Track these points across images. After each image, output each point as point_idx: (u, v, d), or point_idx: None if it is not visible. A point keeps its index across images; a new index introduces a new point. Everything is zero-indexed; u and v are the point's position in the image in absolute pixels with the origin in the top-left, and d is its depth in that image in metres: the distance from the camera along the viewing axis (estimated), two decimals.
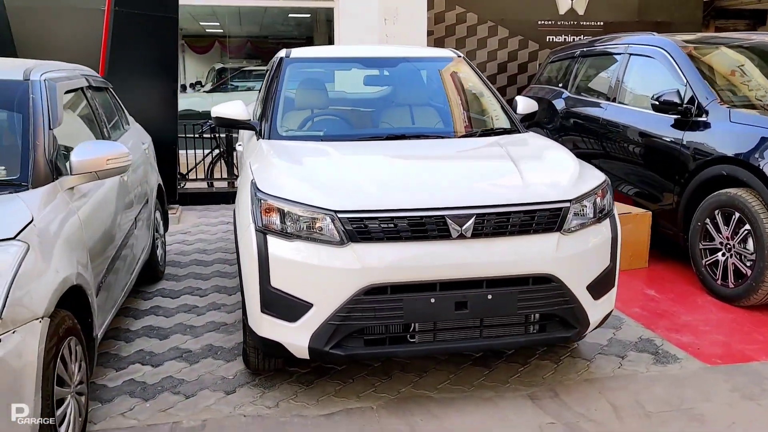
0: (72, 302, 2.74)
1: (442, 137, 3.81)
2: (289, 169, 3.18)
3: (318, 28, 17.40)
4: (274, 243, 2.86)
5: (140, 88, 6.74)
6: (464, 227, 2.83)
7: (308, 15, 20.24)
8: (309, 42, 21.91)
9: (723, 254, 4.48)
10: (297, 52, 4.36)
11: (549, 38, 8.68)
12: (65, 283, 2.51)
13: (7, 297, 2.16)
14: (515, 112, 4.22)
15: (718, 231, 4.50)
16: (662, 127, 5.13)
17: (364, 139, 3.72)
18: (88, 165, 2.99)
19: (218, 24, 24.04)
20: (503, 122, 4.07)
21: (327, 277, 2.79)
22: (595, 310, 3.12)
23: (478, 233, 2.86)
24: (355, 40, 11.28)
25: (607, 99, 6.03)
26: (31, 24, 6.33)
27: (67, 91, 3.53)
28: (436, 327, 2.90)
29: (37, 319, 2.29)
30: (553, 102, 6.90)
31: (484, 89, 4.27)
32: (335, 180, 3.04)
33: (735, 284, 4.38)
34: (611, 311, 3.30)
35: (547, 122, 6.97)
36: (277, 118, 3.85)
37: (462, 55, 4.59)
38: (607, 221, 3.18)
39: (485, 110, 4.25)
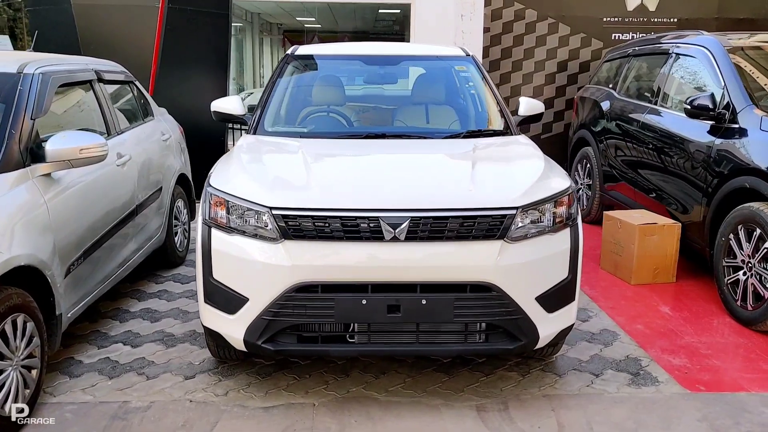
0: (29, 282, 2.94)
1: (424, 137, 3.74)
2: (245, 165, 3.25)
3: (407, 23, 17.47)
4: (216, 236, 2.94)
5: (191, 81, 7.07)
6: (398, 230, 2.78)
7: (398, 11, 20.38)
8: (400, 38, 22.05)
9: (744, 273, 4.13)
10: (303, 50, 4.43)
11: (615, 36, 8.27)
12: (9, 263, 2.70)
13: None
14: (518, 114, 4.09)
15: (741, 248, 4.15)
16: (695, 134, 4.79)
17: (345, 137, 3.73)
18: (61, 154, 3.18)
19: (314, 20, 24.65)
20: (497, 124, 3.95)
21: (261, 273, 2.84)
22: (547, 324, 2.97)
23: (412, 237, 2.80)
24: (430, 37, 11.23)
25: (649, 102, 5.69)
26: (94, 20, 6.78)
27: (68, 84, 3.77)
28: (371, 329, 2.87)
29: None
30: (601, 104, 6.58)
31: (485, 89, 4.15)
32: (282, 177, 3.07)
33: (753, 306, 4.03)
34: (570, 326, 3.13)
35: (592, 125, 6.67)
36: (265, 114, 3.92)
37: (471, 53, 4.48)
38: (566, 231, 3.01)
39: (481, 111, 4.13)
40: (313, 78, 4.30)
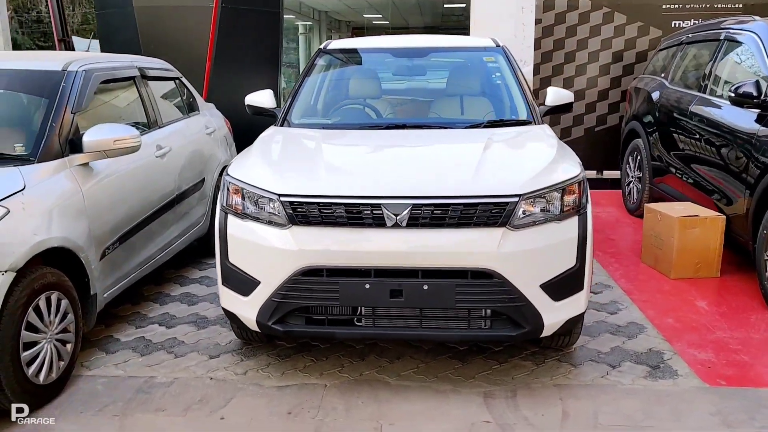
0: (65, 263, 3.19)
1: (445, 128, 3.78)
2: (262, 155, 3.39)
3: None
4: (232, 222, 3.10)
5: (244, 77, 7.34)
6: (399, 217, 2.85)
7: (463, 5, 20.24)
8: (467, 32, 21.90)
9: None
10: (334, 44, 4.54)
11: (675, 23, 7.98)
12: (42, 244, 2.94)
13: None
14: (545, 104, 4.06)
15: None
16: (741, 122, 4.61)
17: (367, 128, 3.82)
18: (97, 145, 3.42)
19: (381, 16, 24.83)
20: (520, 114, 3.94)
21: (271, 257, 2.97)
22: (553, 312, 2.97)
23: (414, 224, 2.86)
24: (489, 30, 11.16)
25: (698, 91, 5.50)
26: (153, 22, 7.14)
27: (110, 81, 4.02)
28: (376, 313, 2.96)
29: (4, 272, 2.72)
30: (651, 94, 6.40)
31: (511, 80, 4.14)
32: (294, 166, 3.19)
33: None
34: (579, 315, 3.11)
35: (643, 116, 6.49)
36: (293, 107, 4.06)
37: (502, 44, 4.48)
38: (574, 219, 3.00)
39: (505, 102, 4.13)
40: (341, 71, 4.42)
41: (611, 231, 6.11)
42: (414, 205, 2.85)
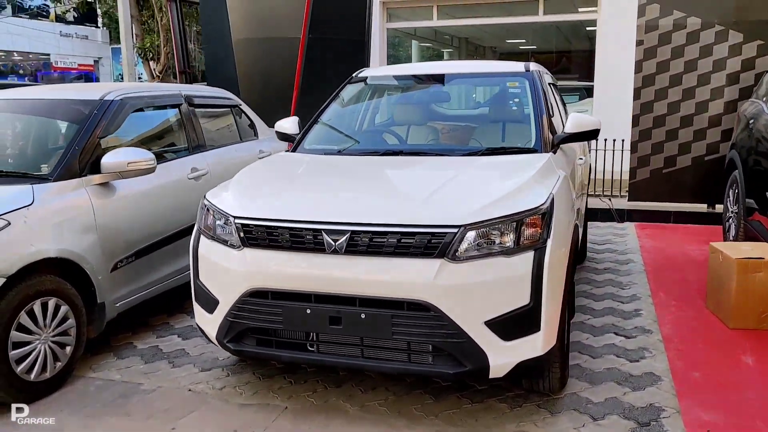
0: (72, 272, 3.52)
1: (441, 155, 3.68)
2: (241, 179, 3.50)
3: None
4: (203, 242, 3.25)
5: None
6: (338, 243, 2.83)
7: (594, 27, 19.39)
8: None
9: None
10: (365, 72, 4.61)
11: None
12: (37, 254, 3.28)
13: None
14: (564, 131, 3.83)
15: None
16: None
17: (365, 155, 3.82)
18: (113, 166, 3.76)
19: (524, 41, 24.49)
20: (529, 142, 3.73)
21: (226, 277, 3.07)
22: (501, 352, 2.77)
23: (353, 250, 2.82)
24: (613, 51, 10.66)
25: None
26: (249, 53, 7.66)
27: (147, 108, 4.40)
28: (320, 339, 2.95)
29: None
30: (749, 120, 5.74)
31: (530, 106, 3.94)
32: (260, 190, 3.28)
33: None
34: (537, 358, 2.86)
35: (741, 145, 5.83)
36: (309, 133, 4.17)
37: (534, 69, 4.27)
38: (528, 253, 2.78)
39: (512, 129, 3.93)
40: (361, 98, 4.46)
41: (692, 271, 5.53)
42: (353, 232, 2.82)
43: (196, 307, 3.32)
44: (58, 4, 29.64)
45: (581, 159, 4.54)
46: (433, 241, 2.75)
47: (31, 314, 3.29)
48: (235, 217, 3.06)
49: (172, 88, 4.87)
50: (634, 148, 7.78)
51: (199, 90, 5.13)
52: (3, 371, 3.16)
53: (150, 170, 3.90)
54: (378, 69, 4.58)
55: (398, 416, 3.15)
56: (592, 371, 3.60)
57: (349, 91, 4.48)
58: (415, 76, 4.46)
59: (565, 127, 3.81)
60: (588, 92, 14.25)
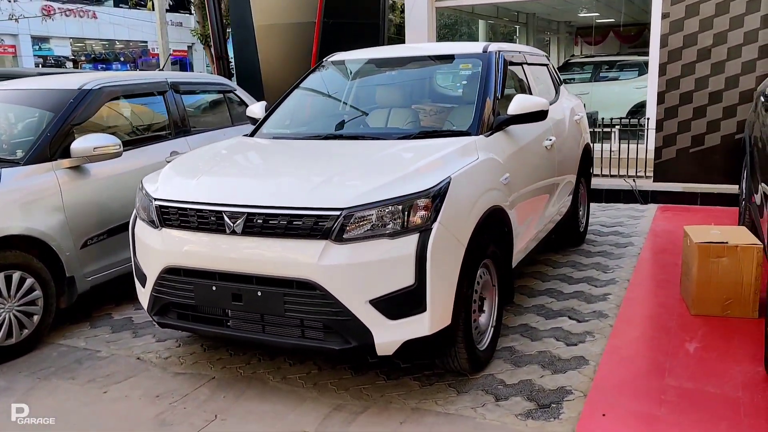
0: (38, 248, 3.88)
1: (378, 138, 3.75)
2: (179, 163, 3.71)
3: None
4: (138, 223, 3.50)
5: None
6: (236, 224, 2.99)
7: None
8: None
9: None
10: (335, 56, 4.70)
11: None
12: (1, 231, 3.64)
13: None
14: (507, 113, 3.81)
15: None
16: None
17: (308, 139, 3.94)
18: (80, 151, 4.08)
19: (597, 14, 23.56)
20: (464, 125, 3.73)
21: (151, 255, 3.31)
22: (386, 330, 2.87)
23: (249, 231, 2.98)
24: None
25: None
26: (270, 38, 7.90)
27: (126, 96, 4.71)
28: (228, 314, 3.14)
29: None
30: (758, 100, 5.42)
31: (476, 88, 3.92)
32: (185, 173, 3.47)
33: None
34: (426, 338, 2.92)
35: (749, 128, 5.52)
36: (268, 119, 4.33)
37: (496, 49, 4.23)
38: (413, 236, 2.85)
39: (450, 112, 3.93)
40: (322, 83, 4.56)
41: None
42: (249, 214, 2.98)
43: (136, 282, 3.58)
44: None
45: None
46: (318, 223, 2.87)
47: None
48: (154, 199, 3.29)
49: (158, 76, 5.16)
50: (659, 126, 7.47)
51: (188, 77, 5.40)
52: None
53: (116, 155, 4.20)
54: (344, 54, 4.65)
55: (311, 388, 3.31)
56: (522, 354, 3.61)
57: (313, 77, 4.60)
58: (371, 60, 4.52)
59: (509, 109, 3.78)
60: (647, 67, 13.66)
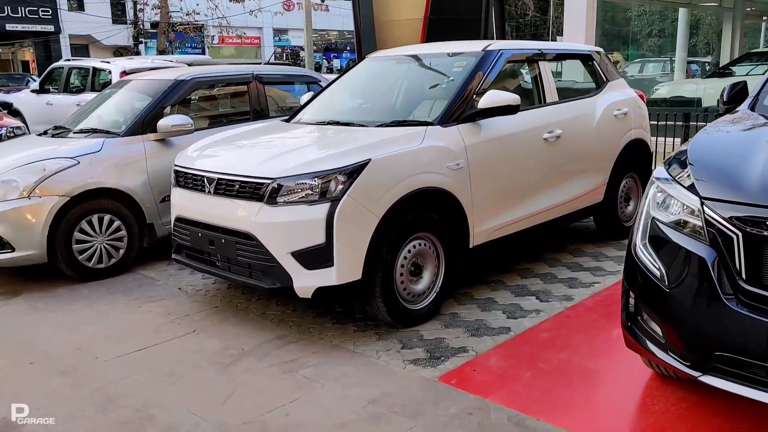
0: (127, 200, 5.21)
1: (361, 126, 4.41)
2: (210, 138, 4.73)
3: None
4: (173, 189, 4.59)
5: None
6: (211, 186, 3.95)
7: None
8: None
9: None
10: (375, 53, 5.44)
11: None
12: (93, 184, 4.98)
13: (39, 181, 4.81)
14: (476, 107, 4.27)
15: None
16: None
17: (316, 124, 4.74)
18: (162, 128, 5.34)
19: None
20: (431, 117, 4.25)
21: (173, 208, 4.41)
22: (304, 277, 3.62)
23: (219, 192, 3.92)
24: None
25: None
26: (386, 33, 8.76)
27: (214, 85, 5.91)
28: (210, 255, 4.11)
29: (61, 196, 4.86)
30: None
31: (459, 84, 4.41)
32: (201, 146, 4.49)
33: None
34: (336, 287, 3.59)
35: None
36: (306, 107, 5.20)
37: (496, 48, 4.66)
38: (326, 204, 3.54)
39: (428, 104, 4.44)
40: (349, 78, 5.30)
41: None
42: (218, 179, 3.91)
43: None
44: None
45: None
46: (257, 189, 3.70)
47: (90, 223, 5.02)
48: (175, 165, 4.36)
49: (245, 69, 6.32)
50: None
51: (273, 70, 6.55)
52: (68, 257, 4.95)
53: (189, 131, 5.38)
54: (379, 52, 5.35)
55: (275, 322, 4.15)
56: (461, 319, 4.10)
57: (349, 72, 5.40)
58: (387, 57, 5.20)
59: (479, 103, 4.24)
60: None
